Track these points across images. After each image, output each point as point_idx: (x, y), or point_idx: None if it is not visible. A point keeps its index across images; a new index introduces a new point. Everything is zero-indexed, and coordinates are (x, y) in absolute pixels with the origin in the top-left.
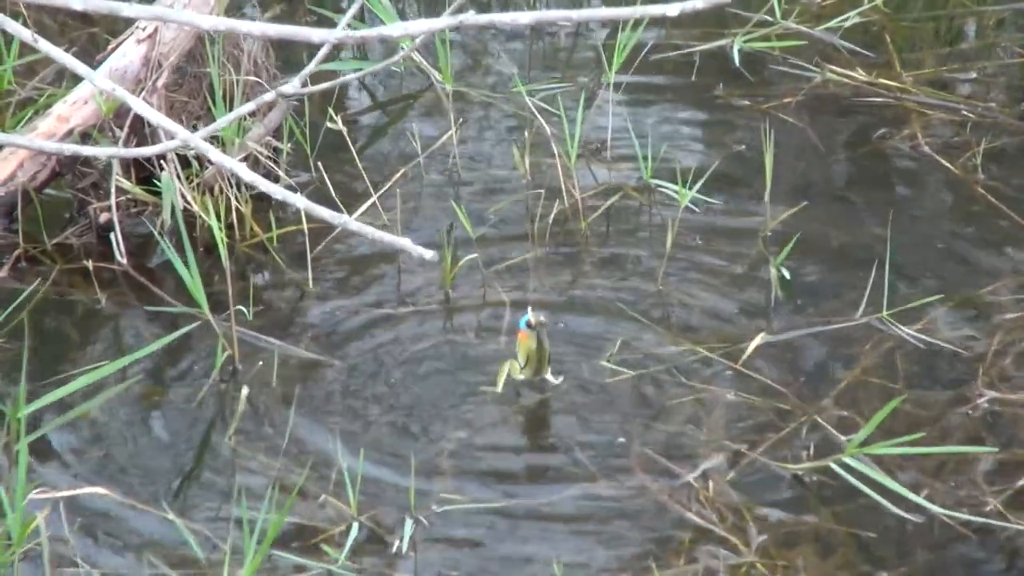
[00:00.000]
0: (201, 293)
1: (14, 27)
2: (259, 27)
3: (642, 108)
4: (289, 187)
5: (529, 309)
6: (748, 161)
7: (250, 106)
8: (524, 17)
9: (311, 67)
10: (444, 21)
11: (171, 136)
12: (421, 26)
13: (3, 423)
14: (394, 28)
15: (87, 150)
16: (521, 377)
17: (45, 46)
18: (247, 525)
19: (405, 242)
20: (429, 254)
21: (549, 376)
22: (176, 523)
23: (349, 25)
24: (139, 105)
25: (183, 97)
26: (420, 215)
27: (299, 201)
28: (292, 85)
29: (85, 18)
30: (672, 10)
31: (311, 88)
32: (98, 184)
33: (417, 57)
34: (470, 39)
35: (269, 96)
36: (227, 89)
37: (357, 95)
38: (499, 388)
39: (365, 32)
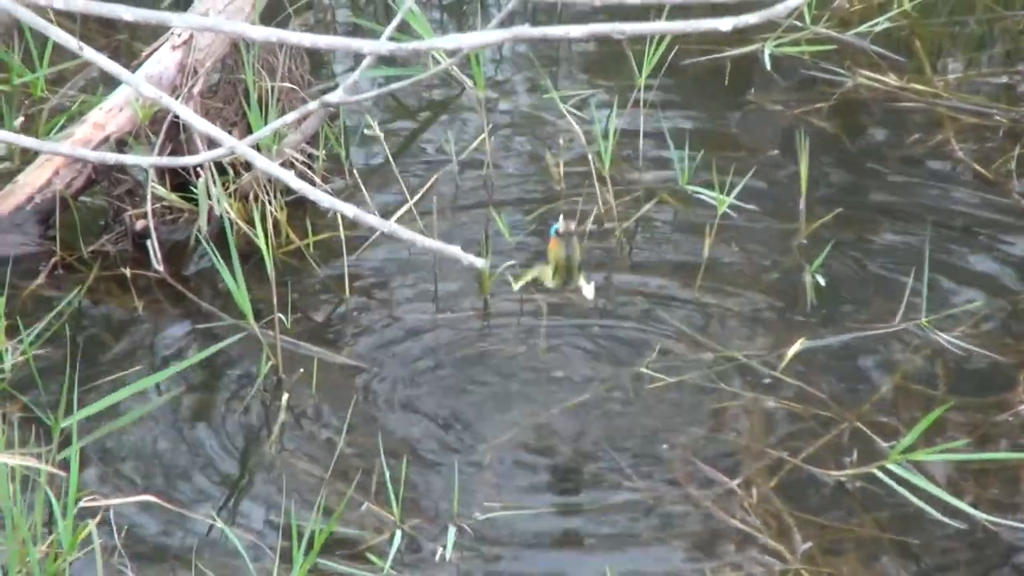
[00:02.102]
0: (247, 304)
1: (59, 35)
2: (309, 38)
3: (674, 113)
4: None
5: (560, 217)
6: (782, 166)
7: (295, 115)
8: (576, 31)
9: (355, 75)
10: (498, 34)
11: (213, 143)
12: (473, 39)
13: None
14: (447, 40)
15: (129, 159)
16: (551, 285)
17: (90, 54)
18: (295, 534)
19: (455, 249)
20: (480, 262)
21: (583, 284)
22: (225, 531)
23: (393, 37)
24: (186, 113)
25: (218, 103)
26: (456, 221)
27: (348, 209)
28: (337, 93)
29: (109, 26)
30: (725, 24)
31: (356, 97)
32: (133, 191)
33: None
34: (501, 46)
35: (313, 105)
36: (261, 95)
37: (387, 102)
38: (516, 287)
39: (416, 44)
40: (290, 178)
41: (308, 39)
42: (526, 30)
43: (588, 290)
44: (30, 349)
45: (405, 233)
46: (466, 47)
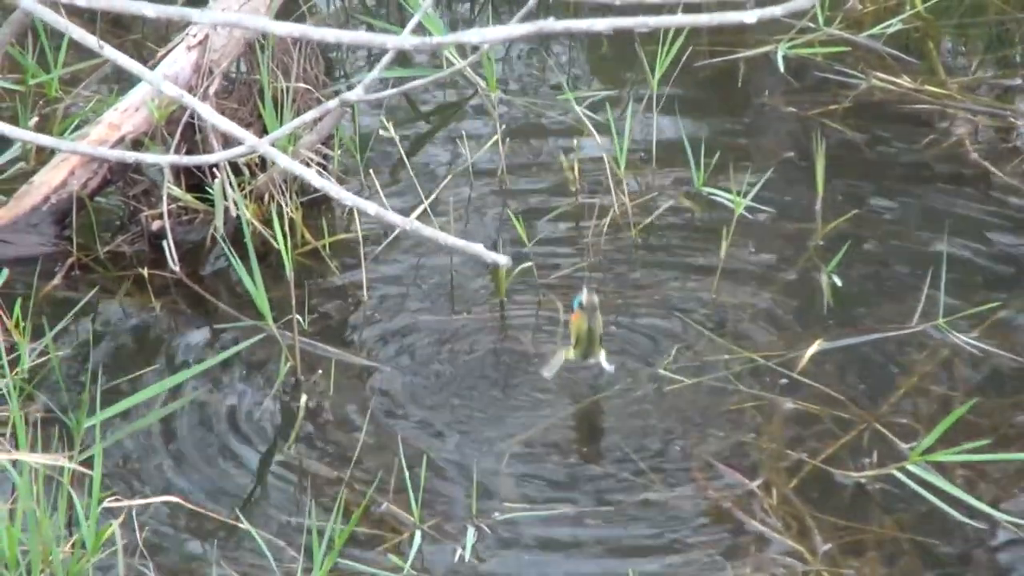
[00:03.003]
0: (266, 305)
1: (80, 34)
2: (333, 33)
3: (687, 115)
4: None
5: (584, 289)
6: (797, 168)
7: (314, 113)
8: (600, 24)
9: (374, 73)
10: (523, 28)
11: (228, 144)
12: (499, 32)
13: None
14: (471, 34)
15: (149, 158)
16: (572, 357)
17: (110, 52)
18: (316, 534)
19: (478, 247)
20: (503, 259)
21: (603, 362)
22: (249, 530)
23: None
24: (208, 112)
25: (233, 104)
26: (471, 222)
27: (370, 207)
28: (356, 92)
29: (121, 25)
30: (750, 17)
31: (375, 95)
32: (149, 191)
33: (460, 63)
34: (513, 47)
35: (332, 103)
36: (276, 96)
37: (400, 103)
38: (550, 374)
39: (442, 38)
40: (313, 176)
41: (332, 34)
42: (550, 24)
43: (607, 364)
44: (55, 350)
45: (427, 231)
46: (491, 41)
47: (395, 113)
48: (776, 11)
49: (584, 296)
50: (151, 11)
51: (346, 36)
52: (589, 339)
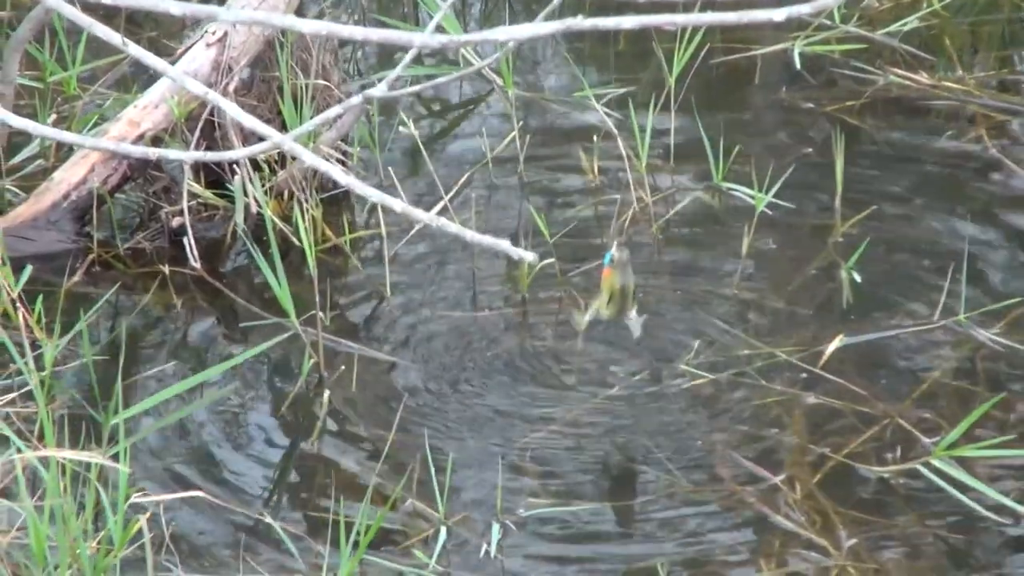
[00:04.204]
0: (290, 303)
1: (104, 31)
2: (361, 31)
3: (705, 111)
4: None
5: (614, 244)
6: (815, 164)
7: (337, 109)
8: (627, 22)
9: (397, 70)
10: (550, 26)
11: (249, 140)
12: (526, 30)
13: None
14: (498, 32)
15: (173, 154)
16: (605, 315)
17: (134, 50)
18: (343, 529)
19: (505, 244)
20: (531, 256)
21: (631, 322)
22: (273, 526)
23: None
24: (232, 108)
25: (252, 100)
26: (491, 219)
27: (397, 204)
28: (380, 88)
29: (134, 22)
30: (779, 15)
31: (398, 92)
32: (169, 188)
33: (476, 60)
34: (529, 43)
35: (356, 99)
36: (295, 92)
37: (416, 101)
38: (582, 327)
39: (469, 36)
40: (338, 174)
41: (360, 32)
42: (578, 21)
43: (636, 327)
44: (89, 351)
45: (453, 227)
46: (518, 39)
47: (412, 109)
48: (804, 9)
49: (615, 251)
50: (176, 9)
51: (374, 34)
52: (622, 295)
